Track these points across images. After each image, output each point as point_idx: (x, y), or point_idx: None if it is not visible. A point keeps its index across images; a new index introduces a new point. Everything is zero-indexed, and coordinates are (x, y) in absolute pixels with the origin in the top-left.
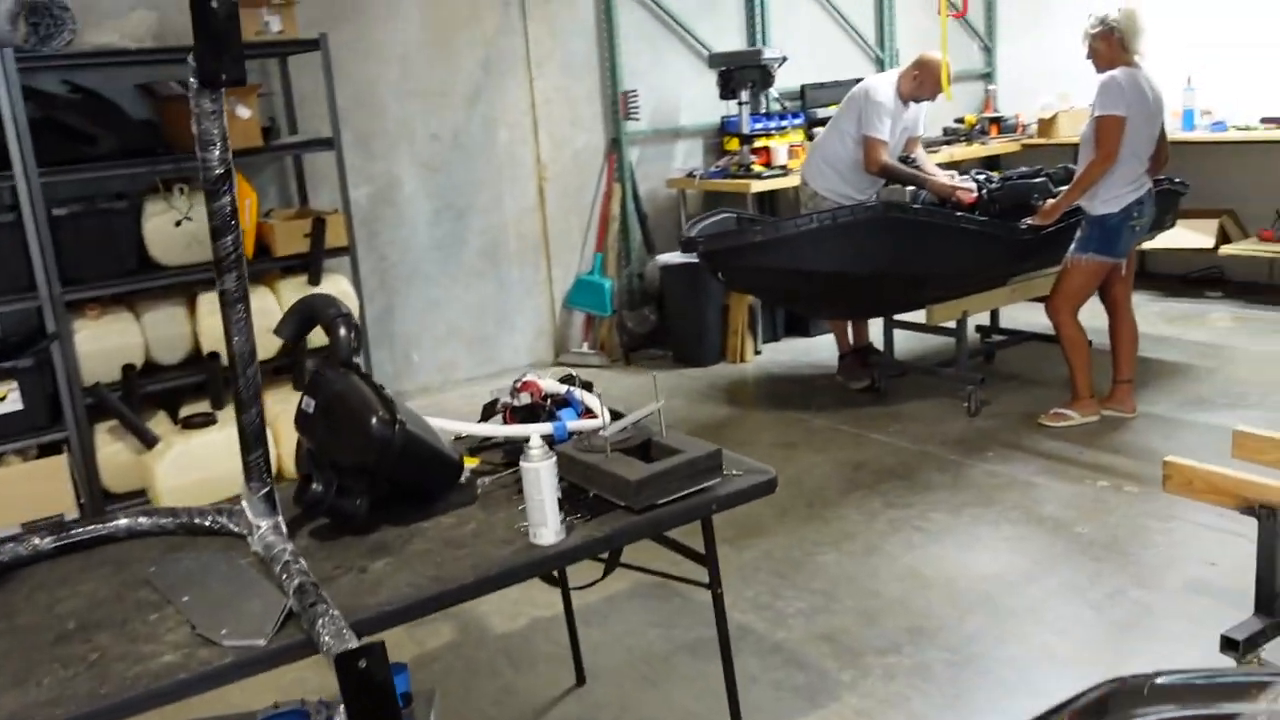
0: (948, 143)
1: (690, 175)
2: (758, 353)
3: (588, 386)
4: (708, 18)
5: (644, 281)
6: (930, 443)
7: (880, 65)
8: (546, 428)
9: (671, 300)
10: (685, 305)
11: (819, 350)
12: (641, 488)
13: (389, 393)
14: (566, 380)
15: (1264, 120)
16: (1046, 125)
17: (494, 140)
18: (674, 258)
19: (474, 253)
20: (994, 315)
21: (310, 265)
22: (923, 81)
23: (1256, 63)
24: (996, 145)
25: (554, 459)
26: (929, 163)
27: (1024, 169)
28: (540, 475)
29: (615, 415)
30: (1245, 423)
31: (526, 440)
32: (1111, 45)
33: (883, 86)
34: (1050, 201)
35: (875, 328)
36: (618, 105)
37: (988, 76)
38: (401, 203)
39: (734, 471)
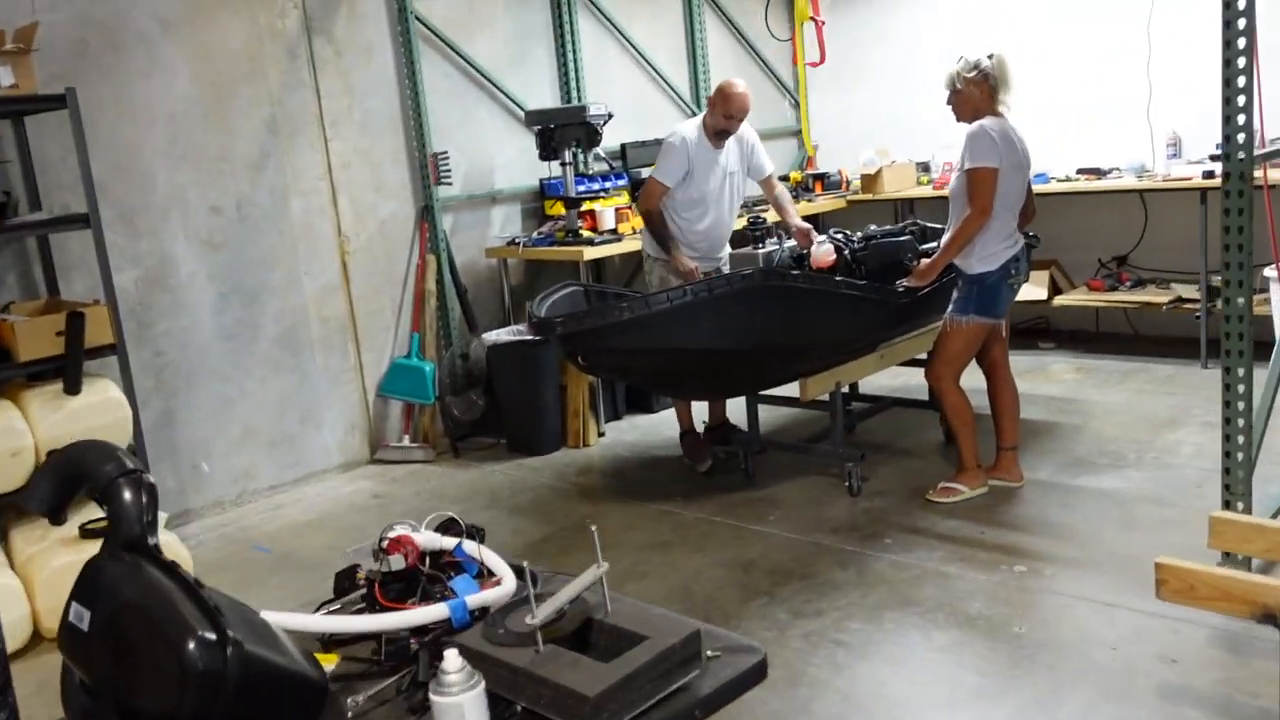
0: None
1: (512, 243)
2: (601, 434)
3: (477, 534)
4: (517, 73)
5: (468, 362)
6: (819, 531)
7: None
8: (441, 610)
9: (501, 382)
10: (517, 386)
11: (665, 427)
12: (601, 706)
13: (212, 594)
14: (449, 528)
15: (1080, 171)
16: (871, 181)
17: (286, 211)
18: (501, 334)
19: (270, 341)
20: (853, 384)
21: (66, 370)
22: (714, 104)
23: (1066, 114)
24: (823, 202)
25: (480, 684)
26: (791, 208)
27: (888, 227)
28: (465, 712)
29: (518, 572)
30: (1129, 484)
31: (421, 642)
32: (983, 92)
33: (685, 128)
34: (925, 261)
35: (734, 403)
36: (427, 168)
37: (797, 134)
38: (178, 287)
39: (710, 652)
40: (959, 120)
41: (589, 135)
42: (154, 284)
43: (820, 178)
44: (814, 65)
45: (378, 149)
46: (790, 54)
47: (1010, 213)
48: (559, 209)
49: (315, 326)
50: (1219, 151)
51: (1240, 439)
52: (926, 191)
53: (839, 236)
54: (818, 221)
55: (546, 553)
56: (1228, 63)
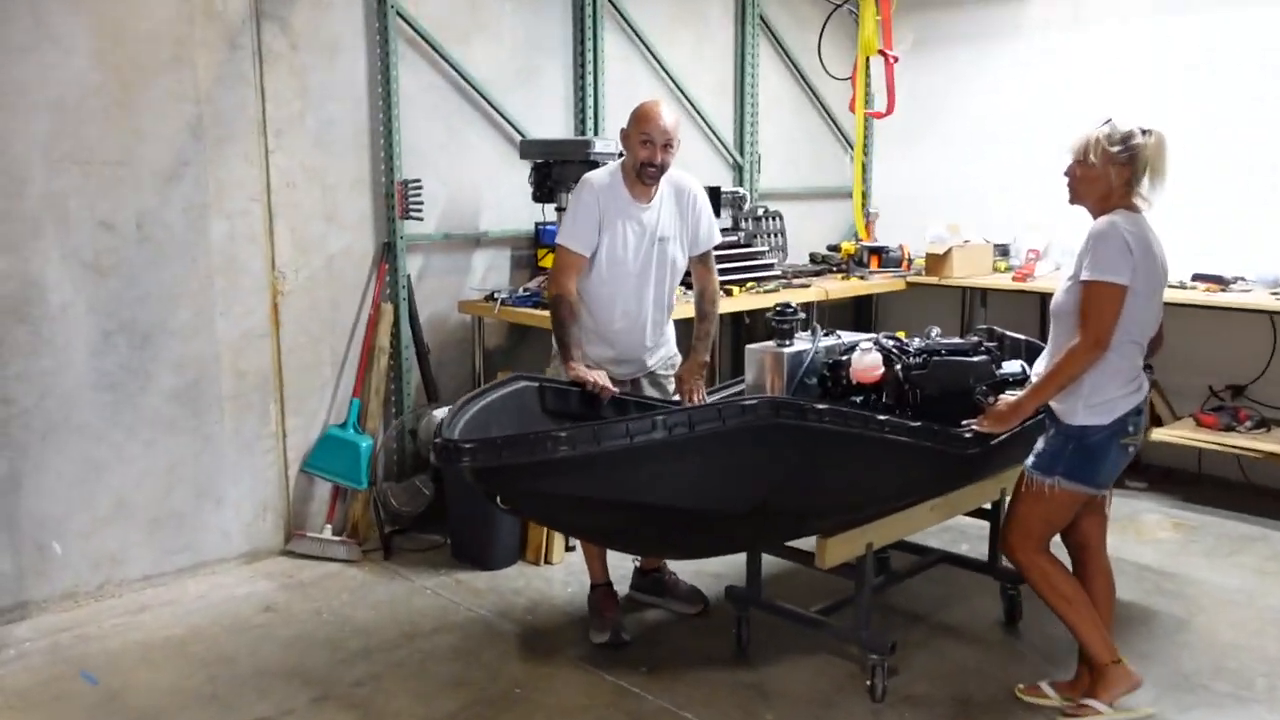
0: (818, 273)
1: (491, 298)
2: (570, 548)
3: None
4: (522, 91)
5: (418, 441)
6: None
7: (739, 173)
8: None
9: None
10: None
11: None
12: None
13: None
14: None
15: (1197, 277)
16: (938, 262)
17: (204, 235)
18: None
19: (164, 394)
20: None
21: None
22: (627, 130)
23: (1188, 205)
24: (878, 281)
25: None
26: (709, 321)
27: (956, 340)
28: None
29: None
30: None
31: None
32: (1122, 176)
33: (597, 173)
34: (1006, 398)
35: None
36: (394, 198)
37: (863, 196)
38: (44, 319)
39: None
40: (1075, 203)
41: None
42: (8, 313)
43: (877, 252)
44: (878, 116)
45: (334, 168)
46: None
47: (1137, 346)
48: (549, 261)
49: (228, 381)
50: None
51: None
52: (1003, 281)
53: (890, 343)
54: (868, 306)
55: None
56: None
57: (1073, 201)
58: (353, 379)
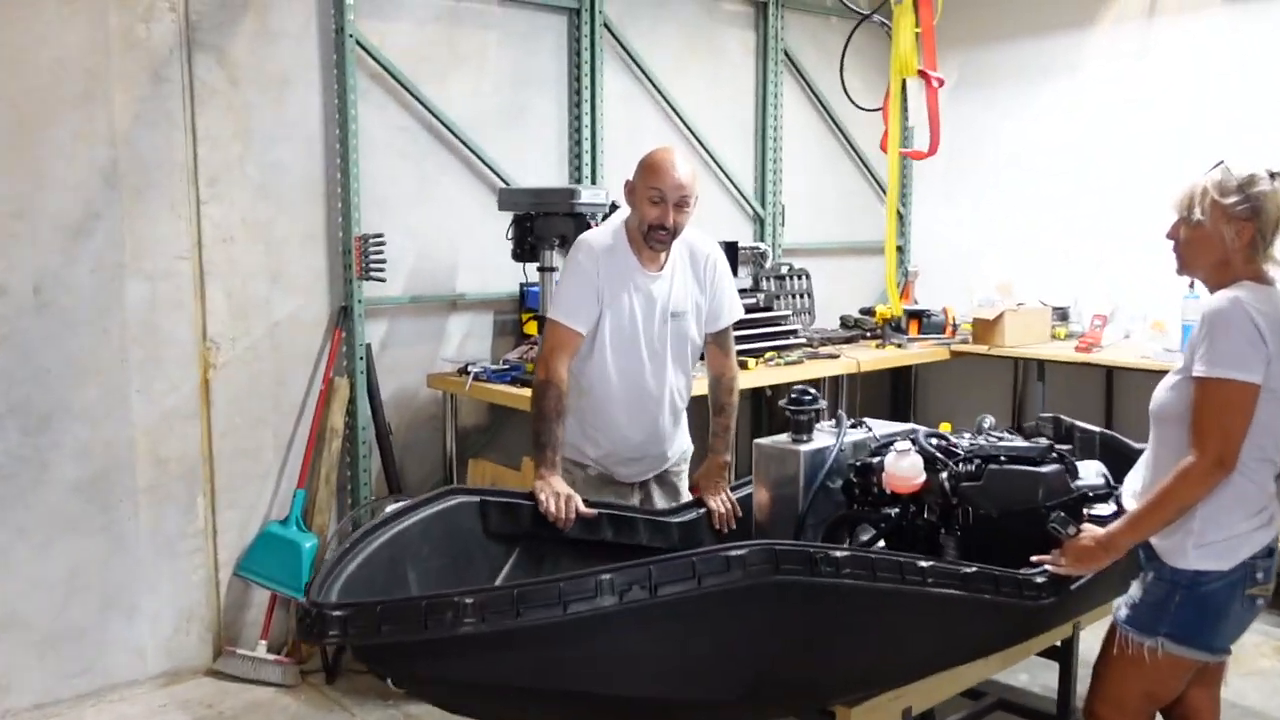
0: (849, 340)
1: (464, 371)
2: None
3: None
4: (507, 133)
5: None
6: None
7: (759, 226)
8: None
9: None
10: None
11: None
12: None
13: None
14: None
15: None
16: (987, 328)
17: (118, 299)
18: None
19: (66, 487)
20: None
21: None
22: (632, 184)
23: None
24: (918, 351)
25: None
26: (728, 414)
27: (1018, 443)
28: None
29: None
30: None
31: None
32: (1244, 237)
33: (596, 233)
34: (1090, 531)
35: None
36: (351, 255)
37: (900, 251)
38: None
39: None
40: (1183, 273)
41: (580, 232)
42: None
43: (917, 316)
44: (917, 156)
45: (281, 221)
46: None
47: (1270, 465)
48: (533, 328)
49: (145, 470)
50: None
51: None
52: (1063, 351)
53: (934, 443)
54: (906, 379)
55: None
56: None
57: (1180, 271)
58: (299, 466)
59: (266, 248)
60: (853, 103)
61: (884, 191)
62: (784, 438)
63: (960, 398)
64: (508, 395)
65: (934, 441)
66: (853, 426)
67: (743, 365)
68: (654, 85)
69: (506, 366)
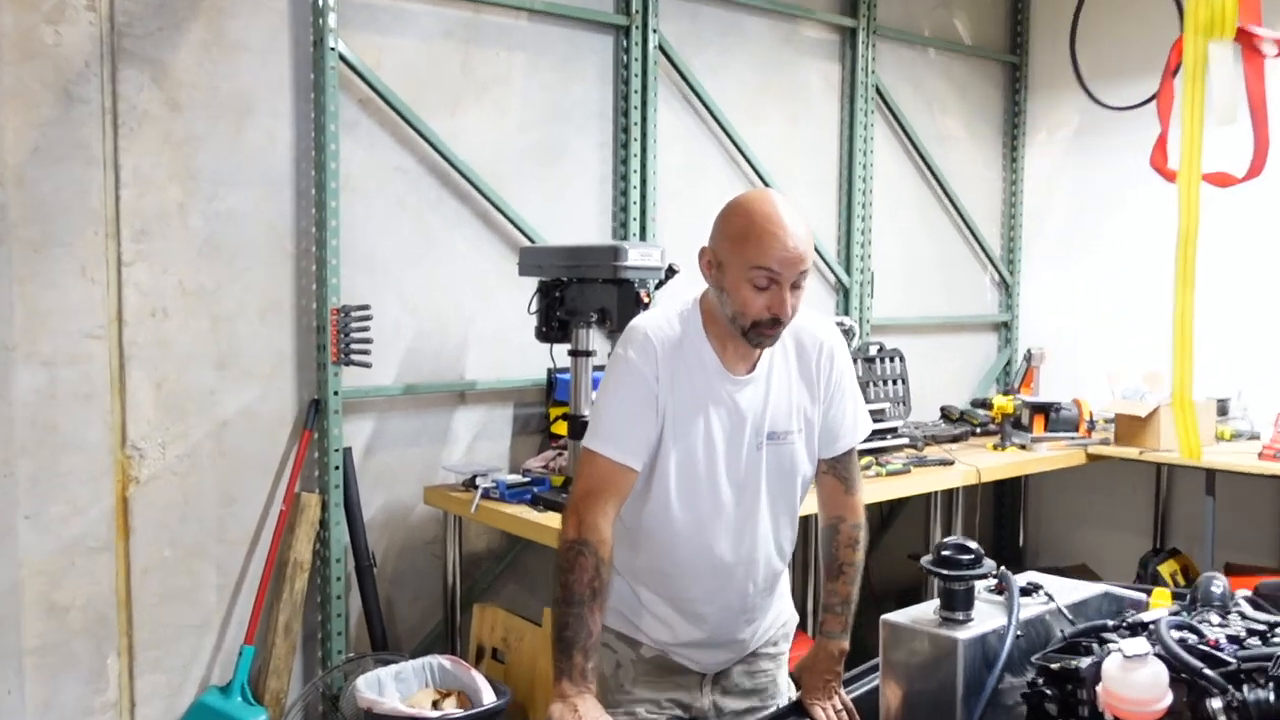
0: (954, 439)
1: (471, 484)
2: None
3: None
4: (538, 181)
5: (339, 713)
6: None
7: (844, 297)
8: None
9: None
10: None
11: None
12: None
13: None
14: None
15: None
16: (1135, 427)
17: (2, 391)
18: (393, 689)
19: None
20: None
21: None
22: (718, 260)
23: None
24: (1045, 454)
25: None
26: (854, 575)
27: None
28: None
29: None
30: None
31: None
32: None
33: (655, 320)
34: None
35: None
36: (327, 332)
37: (1005, 327)
38: None
39: None
40: None
41: (624, 304)
42: None
43: (1043, 410)
44: (1226, 182)
45: (232, 289)
46: (1007, 184)
47: None
48: (562, 428)
49: (35, 624)
50: None
51: None
52: (1232, 457)
53: (1178, 635)
54: (1014, 491)
55: None
56: None
57: None
58: (248, 613)
59: (212, 323)
60: (1092, 98)
61: (989, 258)
62: (927, 610)
63: (1085, 512)
64: (524, 523)
65: (1177, 634)
66: (1024, 592)
67: None
68: (719, 124)
69: (526, 480)
